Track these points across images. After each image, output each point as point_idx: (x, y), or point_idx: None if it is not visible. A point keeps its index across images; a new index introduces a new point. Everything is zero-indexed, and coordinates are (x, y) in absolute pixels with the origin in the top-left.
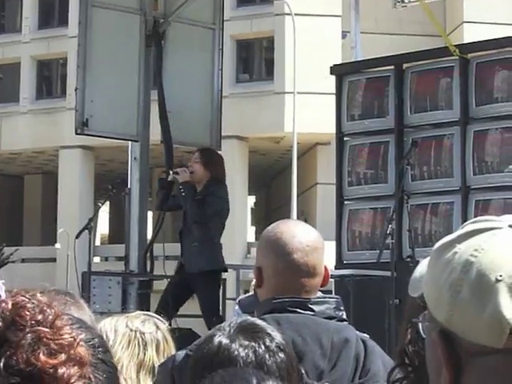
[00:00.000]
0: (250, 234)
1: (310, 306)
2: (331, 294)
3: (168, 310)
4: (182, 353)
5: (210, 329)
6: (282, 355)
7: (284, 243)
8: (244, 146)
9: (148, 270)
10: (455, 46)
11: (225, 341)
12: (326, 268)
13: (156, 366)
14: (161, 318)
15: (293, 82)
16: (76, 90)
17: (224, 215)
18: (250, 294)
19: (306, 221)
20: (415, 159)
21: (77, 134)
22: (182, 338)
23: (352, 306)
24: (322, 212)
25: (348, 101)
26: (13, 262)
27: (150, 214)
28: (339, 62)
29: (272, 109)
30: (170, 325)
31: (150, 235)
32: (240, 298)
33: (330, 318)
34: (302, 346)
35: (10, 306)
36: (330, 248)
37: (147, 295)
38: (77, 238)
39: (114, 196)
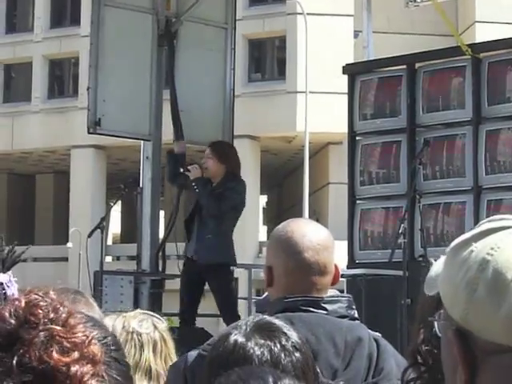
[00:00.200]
0: (262, 234)
1: (323, 304)
2: (343, 293)
3: (192, 309)
4: (194, 353)
5: (226, 323)
6: (297, 354)
7: (295, 242)
8: (256, 146)
9: (160, 269)
10: (467, 45)
11: (240, 339)
12: (336, 266)
13: (152, 366)
14: (160, 317)
15: (305, 82)
16: (88, 89)
17: (240, 210)
18: (266, 294)
19: (317, 220)
20: (427, 159)
21: (89, 133)
22: (194, 337)
23: (364, 305)
24: (333, 211)
25: (360, 100)
26: (24, 260)
27: (161, 213)
28: (351, 61)
29: (284, 108)
30: (193, 325)
31: (161, 234)
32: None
33: (343, 316)
34: (315, 345)
35: (23, 304)
36: (342, 247)
37: (159, 294)
38: (89, 237)
39: (126, 195)
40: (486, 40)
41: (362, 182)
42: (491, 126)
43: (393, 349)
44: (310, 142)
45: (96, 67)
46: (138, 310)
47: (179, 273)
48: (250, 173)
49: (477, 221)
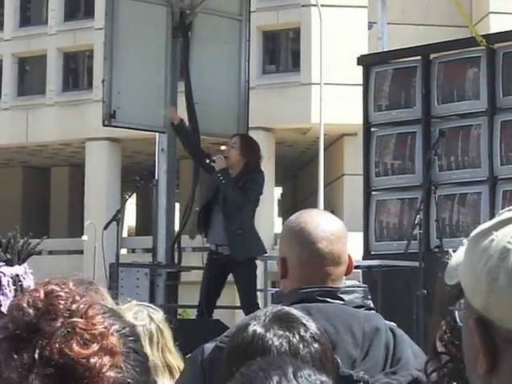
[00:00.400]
0: (277, 225)
1: (340, 295)
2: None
3: (210, 302)
4: (211, 345)
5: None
6: (316, 345)
7: (308, 233)
8: (271, 138)
9: (176, 261)
10: (482, 36)
11: (259, 330)
12: (349, 257)
13: (149, 358)
14: (155, 308)
15: (319, 73)
16: (103, 81)
17: (258, 202)
18: None
19: (332, 212)
20: (442, 149)
21: (104, 125)
22: (210, 328)
23: (380, 296)
24: (348, 203)
25: (375, 91)
26: (39, 253)
27: (177, 205)
28: (365, 52)
29: (298, 100)
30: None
31: (177, 227)
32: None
33: (359, 306)
34: (334, 335)
35: (42, 294)
36: (358, 239)
37: (175, 286)
38: (105, 229)
39: (141, 188)
40: (500, 31)
41: (378, 173)
42: (506, 117)
43: (409, 338)
44: (324, 134)
45: (111, 60)
46: (134, 302)
47: (201, 265)
48: (265, 164)
49: (492, 211)
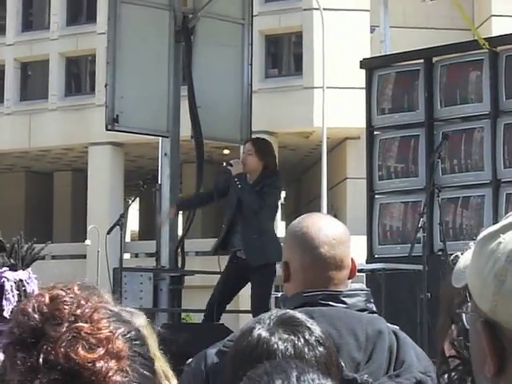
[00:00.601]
0: (281, 229)
1: (343, 298)
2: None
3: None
4: (213, 350)
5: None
6: (321, 349)
7: (311, 237)
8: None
9: (179, 265)
10: (484, 39)
11: (264, 334)
12: (352, 260)
13: None
14: (138, 312)
15: (322, 77)
16: (106, 86)
17: (277, 207)
18: None
19: (336, 215)
20: (445, 153)
21: (107, 130)
22: (214, 333)
23: (384, 299)
24: (352, 206)
25: (378, 95)
26: (43, 258)
27: None
28: (368, 56)
29: (301, 104)
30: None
31: (180, 231)
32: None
33: (362, 310)
34: (337, 339)
35: (47, 299)
36: (361, 242)
37: (178, 291)
38: (108, 233)
39: (144, 192)
40: (502, 34)
41: (381, 176)
42: (509, 120)
43: (411, 341)
44: (327, 137)
45: (113, 64)
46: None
47: (204, 269)
48: None
49: (496, 214)
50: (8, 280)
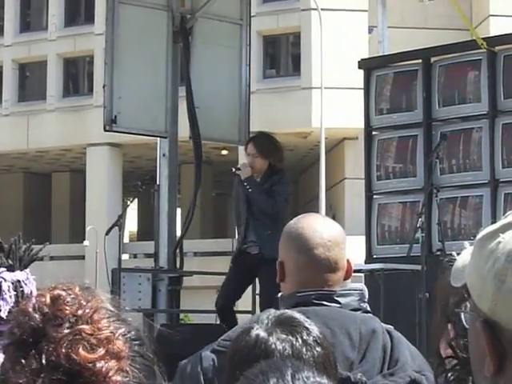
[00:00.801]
0: None
1: (336, 298)
2: None
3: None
4: (208, 351)
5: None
6: (319, 349)
7: (305, 239)
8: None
9: (178, 266)
10: (482, 39)
11: (262, 334)
12: (348, 261)
13: None
14: None
15: (320, 77)
16: (104, 86)
17: (288, 202)
18: None
19: (334, 216)
20: (444, 153)
21: (105, 130)
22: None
23: (382, 299)
24: (350, 207)
25: (376, 95)
26: (41, 259)
27: (178, 210)
28: (366, 56)
29: (299, 104)
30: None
31: (178, 232)
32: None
33: (356, 309)
34: (331, 338)
35: (48, 299)
36: (360, 242)
37: (177, 291)
38: (107, 234)
39: (142, 193)
40: (500, 34)
41: (379, 176)
42: (507, 119)
43: (406, 340)
44: (325, 138)
45: (111, 65)
46: None
47: (203, 270)
48: None
49: (494, 214)
50: (5, 280)
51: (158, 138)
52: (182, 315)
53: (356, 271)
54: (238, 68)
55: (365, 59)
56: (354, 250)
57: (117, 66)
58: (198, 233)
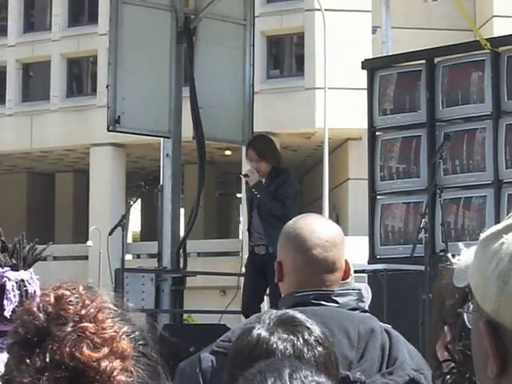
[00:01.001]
0: None
1: (334, 298)
2: None
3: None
4: (206, 353)
5: None
6: (320, 349)
7: (303, 239)
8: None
9: (181, 266)
10: (486, 39)
11: (264, 333)
12: (346, 262)
13: None
14: None
15: (323, 78)
16: (108, 87)
17: (297, 199)
18: None
19: (337, 216)
20: (447, 153)
21: (109, 130)
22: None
23: (385, 300)
24: (353, 207)
25: (380, 95)
26: (44, 259)
27: (182, 210)
28: (370, 56)
29: (303, 104)
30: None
31: (182, 232)
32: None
33: (354, 309)
34: (329, 337)
35: (52, 299)
36: (363, 243)
37: (180, 292)
38: (110, 234)
39: (146, 193)
40: (504, 34)
41: (383, 177)
42: (511, 120)
43: (404, 339)
44: (329, 138)
45: (115, 65)
46: None
47: (206, 270)
48: None
49: (498, 215)
50: (9, 280)
51: (162, 139)
52: (185, 315)
53: (359, 272)
54: (241, 68)
55: (368, 60)
56: (357, 251)
57: (120, 66)
58: (201, 233)
